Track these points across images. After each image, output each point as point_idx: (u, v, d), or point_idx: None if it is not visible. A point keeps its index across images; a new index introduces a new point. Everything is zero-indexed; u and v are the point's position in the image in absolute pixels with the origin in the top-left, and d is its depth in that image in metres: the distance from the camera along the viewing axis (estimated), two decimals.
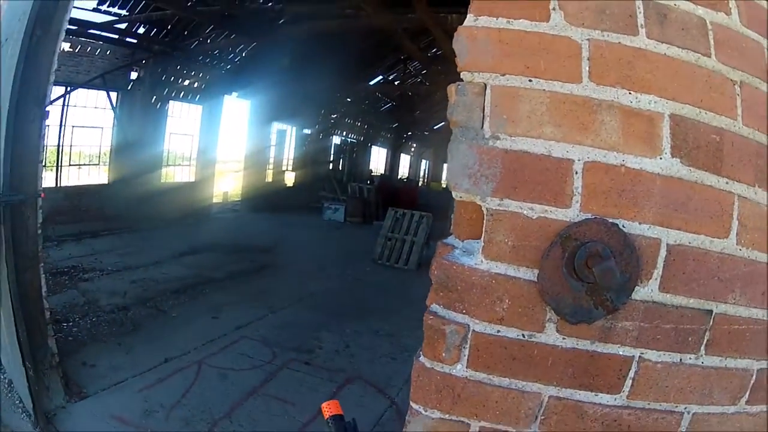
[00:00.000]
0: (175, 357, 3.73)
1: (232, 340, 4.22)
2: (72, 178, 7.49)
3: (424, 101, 11.56)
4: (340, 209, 11.91)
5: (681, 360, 0.77)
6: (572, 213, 0.72)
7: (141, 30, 7.60)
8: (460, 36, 0.76)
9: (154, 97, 8.25)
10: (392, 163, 19.83)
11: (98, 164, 8.16)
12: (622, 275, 0.71)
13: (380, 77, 11.76)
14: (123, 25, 7.25)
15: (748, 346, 0.82)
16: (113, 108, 7.71)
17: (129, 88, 7.93)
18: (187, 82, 9.01)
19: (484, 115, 0.73)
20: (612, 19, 0.77)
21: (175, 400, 3.16)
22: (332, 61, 8.74)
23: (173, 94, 8.84)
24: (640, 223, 0.73)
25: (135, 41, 7.61)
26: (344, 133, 15.70)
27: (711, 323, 0.78)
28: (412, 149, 19.88)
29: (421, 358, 0.76)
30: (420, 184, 19.73)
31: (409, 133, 17.38)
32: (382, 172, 18.47)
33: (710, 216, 0.77)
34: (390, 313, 5.33)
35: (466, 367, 0.74)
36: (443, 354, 0.73)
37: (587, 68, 0.75)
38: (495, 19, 0.76)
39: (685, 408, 0.80)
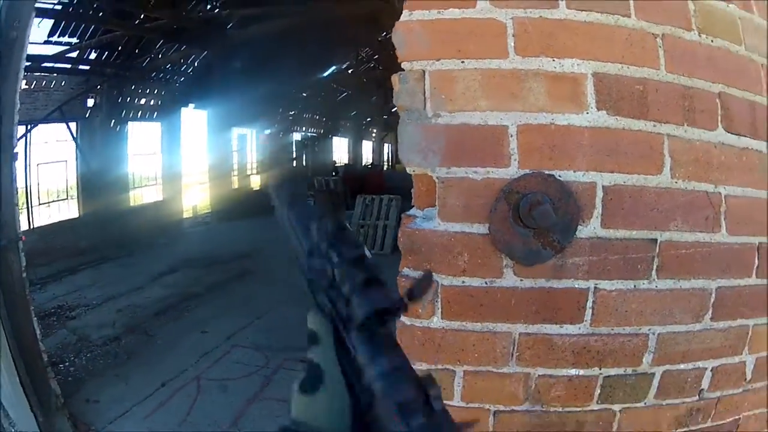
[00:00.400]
0: (173, 378, 3.85)
1: (224, 351, 4.34)
2: (43, 216, 7.49)
3: (379, 86, 11.35)
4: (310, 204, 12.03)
5: (635, 286, 0.86)
6: (512, 171, 0.83)
7: (93, 56, 7.46)
8: (397, 31, 0.87)
9: (113, 121, 8.23)
10: (355, 152, 19.87)
11: (66, 198, 8.10)
12: (564, 216, 0.81)
13: (333, 68, 11.72)
14: (75, 53, 7.06)
15: (700, 267, 0.90)
16: (74, 139, 7.68)
17: (87, 116, 7.71)
18: (143, 101, 9.00)
19: (425, 98, 0.84)
20: None
21: (181, 419, 3.30)
22: (285, 58, 8.79)
23: (131, 115, 8.81)
24: (574, 171, 0.83)
25: (88, 68, 7.48)
26: (304, 129, 15.76)
27: (657, 250, 0.87)
28: (373, 135, 19.79)
29: (401, 319, 0.87)
30: (385, 168, 19.39)
31: (369, 120, 17.22)
32: (346, 161, 18.43)
33: (641, 156, 0.86)
34: None
35: (442, 319, 0.85)
36: (419, 310, 0.84)
37: (512, 44, 0.86)
38: (428, 11, 0.87)
39: (649, 329, 0.89)
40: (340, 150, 19.43)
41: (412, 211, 0.87)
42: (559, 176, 0.83)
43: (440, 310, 0.84)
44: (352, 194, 10.79)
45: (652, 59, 0.89)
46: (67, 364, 4.18)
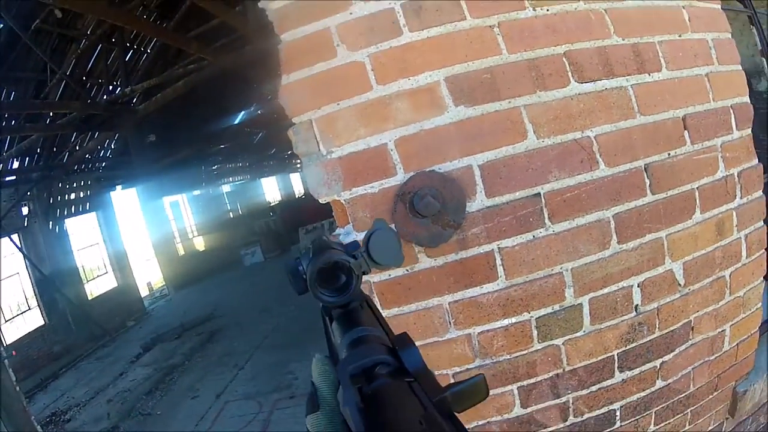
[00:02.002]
0: None
1: (218, 409, 4.51)
2: (13, 331, 7.76)
3: (289, 120, 11.36)
4: (257, 250, 12.01)
5: (534, 236, 1.01)
6: (400, 177, 1.01)
7: (15, 164, 7.60)
8: (281, 95, 1.08)
9: (50, 222, 8.51)
10: (285, 187, 20.54)
11: (29, 309, 8.42)
12: (452, 199, 0.98)
13: (243, 113, 11.82)
14: None
15: (589, 203, 1.04)
16: (20, 249, 7.98)
17: (26, 224, 8.04)
18: (74, 195, 9.30)
19: (317, 141, 1.04)
20: (380, 32, 1.06)
21: None
22: (194, 117, 9.06)
23: (66, 212, 9.05)
24: (451, 161, 1.00)
25: (14, 177, 7.67)
26: (231, 179, 16.11)
27: (544, 201, 1.01)
28: (298, 165, 19.99)
29: None
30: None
31: (289, 152, 17.30)
32: (280, 198, 18.86)
33: (504, 131, 1.02)
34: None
35: (382, 309, 1.02)
36: None
37: (373, 77, 1.05)
38: (301, 71, 1.07)
39: (561, 268, 1.03)
40: (270, 189, 20.19)
41: (336, 231, 1.06)
42: (439, 169, 1.00)
43: (379, 303, 1.02)
44: (294, 228, 10.93)
45: (493, 48, 1.06)
46: None
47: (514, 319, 1.03)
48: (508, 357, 1.04)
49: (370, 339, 0.45)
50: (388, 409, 0.32)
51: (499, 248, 1.00)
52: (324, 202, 1.05)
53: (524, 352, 1.04)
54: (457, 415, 0.35)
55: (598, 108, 1.07)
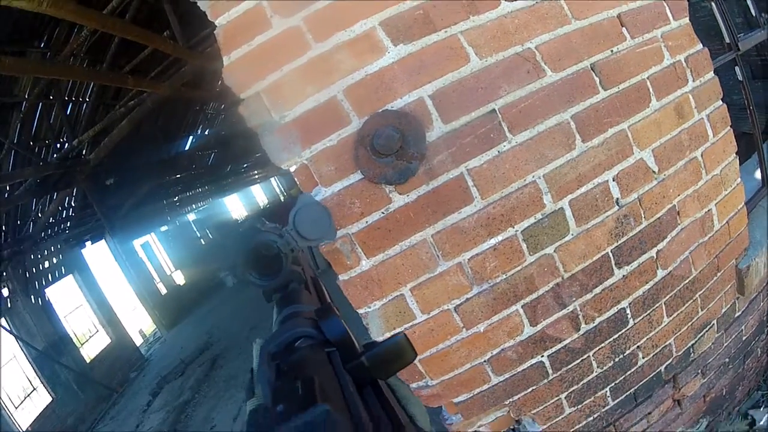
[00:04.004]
0: None
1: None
2: (26, 417, 7.66)
3: (237, 131, 11.32)
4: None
5: (498, 151, 1.01)
6: (356, 123, 1.01)
7: None
8: (226, 74, 1.08)
9: (32, 296, 8.36)
10: (248, 201, 20.65)
11: (34, 389, 8.31)
12: (410, 132, 0.98)
13: (191, 137, 11.61)
14: None
15: (544, 109, 1.04)
16: (10, 332, 7.83)
17: (9, 305, 7.87)
18: (47, 264, 9.13)
19: (268, 110, 1.05)
20: None
21: None
22: (145, 152, 8.98)
23: (44, 282, 8.82)
24: (402, 98, 1.01)
25: None
26: (194, 206, 16.04)
27: (500, 116, 1.02)
28: (256, 176, 20.15)
29: (340, 278, 1.04)
30: (283, 200, 19.75)
31: (246, 165, 17.35)
32: (245, 214, 18.87)
33: (447, 59, 1.03)
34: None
35: (368, 258, 1.01)
36: (347, 262, 1.01)
37: (310, 36, 1.06)
38: (240, 48, 1.08)
39: (532, 176, 1.03)
40: (235, 206, 20.31)
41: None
42: (392, 107, 1.01)
43: (362, 252, 1.01)
44: None
45: None
46: None
47: (500, 237, 1.02)
48: (504, 276, 1.03)
49: (299, 315, 0.45)
50: (301, 381, 0.30)
51: (467, 169, 1.00)
52: (287, 168, 1.04)
53: (519, 268, 1.03)
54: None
55: (532, 21, 1.09)
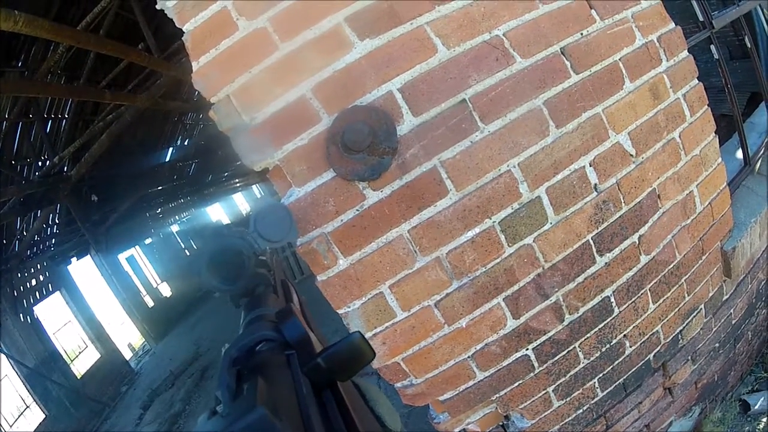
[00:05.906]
0: None
1: None
2: None
3: (216, 140, 11.28)
4: None
5: (471, 141, 1.00)
6: (326, 121, 0.99)
7: None
8: (195, 80, 1.07)
9: (21, 314, 8.36)
10: (231, 209, 20.82)
11: (27, 407, 8.29)
12: (381, 127, 0.97)
13: (171, 148, 11.58)
14: None
15: (515, 96, 1.03)
16: (1, 351, 7.86)
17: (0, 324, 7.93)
18: (34, 281, 9.10)
19: (239, 112, 1.03)
20: None
21: None
22: (126, 166, 8.95)
23: (32, 300, 8.81)
24: (370, 93, 1.00)
25: None
26: (178, 217, 16.03)
27: (471, 106, 1.01)
28: (238, 185, 20.24)
29: (318, 279, 1.02)
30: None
31: (227, 174, 17.38)
32: (229, 221, 18.95)
33: (414, 51, 1.02)
34: (323, 318, 5.60)
35: (345, 257, 0.99)
36: (325, 262, 0.99)
37: (276, 37, 1.05)
38: (208, 53, 1.07)
39: (507, 165, 1.01)
40: (218, 215, 20.49)
41: (283, 199, 1.04)
42: (361, 102, 0.99)
43: (339, 252, 0.99)
44: None
45: None
46: None
47: (477, 229, 1.00)
48: (484, 269, 1.01)
49: (263, 318, 0.44)
50: (258, 387, 0.30)
51: (440, 162, 0.99)
52: (260, 169, 1.03)
53: (498, 260, 1.02)
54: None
55: (499, 8, 1.08)
